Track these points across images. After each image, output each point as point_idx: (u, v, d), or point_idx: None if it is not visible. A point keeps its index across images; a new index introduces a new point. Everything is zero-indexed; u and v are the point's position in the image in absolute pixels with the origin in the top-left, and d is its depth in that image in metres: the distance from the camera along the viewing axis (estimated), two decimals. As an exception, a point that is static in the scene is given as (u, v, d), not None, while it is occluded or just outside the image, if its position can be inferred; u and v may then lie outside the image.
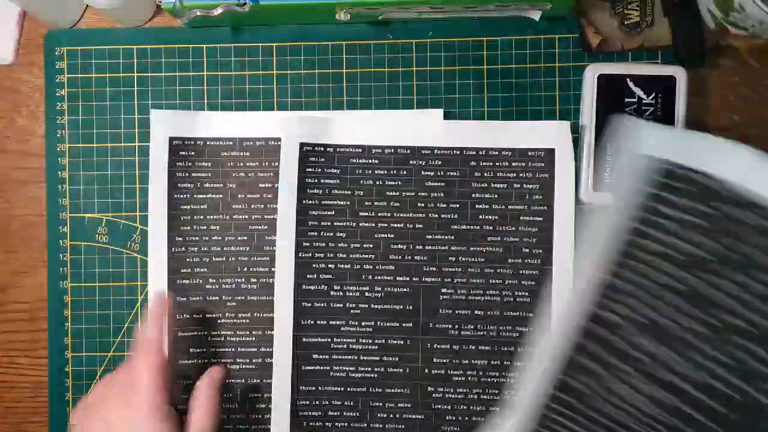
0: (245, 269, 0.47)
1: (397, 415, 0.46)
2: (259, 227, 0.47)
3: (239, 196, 0.47)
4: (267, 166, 0.47)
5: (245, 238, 0.47)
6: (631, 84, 0.46)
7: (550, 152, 0.46)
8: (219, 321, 0.47)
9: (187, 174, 0.47)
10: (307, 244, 0.46)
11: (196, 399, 0.41)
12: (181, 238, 0.47)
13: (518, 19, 0.48)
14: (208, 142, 0.47)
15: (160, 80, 0.48)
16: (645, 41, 0.48)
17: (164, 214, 0.47)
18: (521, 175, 0.46)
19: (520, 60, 0.48)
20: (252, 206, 0.47)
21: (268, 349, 0.47)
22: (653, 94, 0.46)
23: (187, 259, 0.47)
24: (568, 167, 0.46)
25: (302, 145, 0.46)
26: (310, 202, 0.46)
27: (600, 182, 0.47)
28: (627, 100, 0.46)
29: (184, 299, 0.47)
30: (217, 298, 0.47)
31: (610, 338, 0.34)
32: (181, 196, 0.47)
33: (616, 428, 0.34)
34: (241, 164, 0.47)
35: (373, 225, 0.46)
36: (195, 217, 0.47)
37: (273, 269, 0.47)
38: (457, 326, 0.46)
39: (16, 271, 0.48)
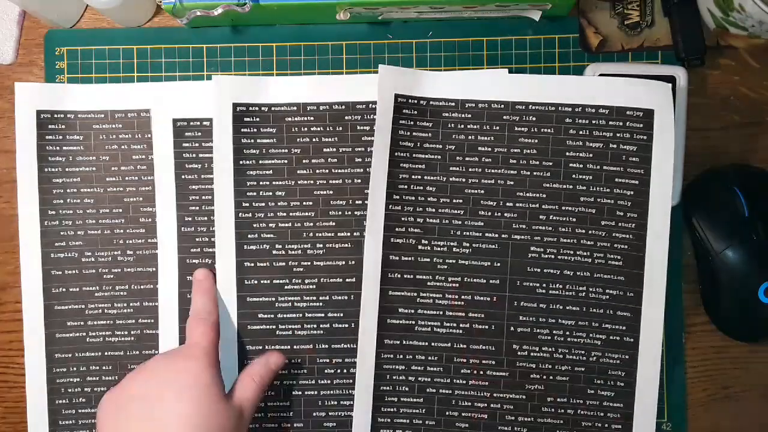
0: (121, 241, 0.47)
1: (481, 372, 0.46)
2: (134, 199, 0.47)
3: (113, 168, 0.47)
4: (140, 138, 0.47)
5: (120, 210, 0.47)
6: (631, 84, 0.46)
7: (649, 113, 0.45)
8: (96, 294, 0.47)
9: (57, 148, 0.47)
10: (398, 207, 0.46)
11: (247, 371, 0.43)
12: (54, 212, 0.47)
13: (518, 19, 0.48)
14: (78, 115, 0.47)
15: (160, 80, 0.48)
16: (645, 41, 0.48)
17: (35, 187, 0.47)
18: (618, 135, 0.45)
19: (520, 60, 0.48)
20: (126, 178, 0.47)
21: (146, 321, 0.47)
22: (653, 94, 0.46)
23: (62, 233, 0.47)
24: (668, 131, 0.44)
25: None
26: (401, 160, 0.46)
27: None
28: (627, 100, 0.46)
29: (60, 273, 0.47)
30: (93, 271, 0.47)
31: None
32: (53, 170, 0.47)
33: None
34: (114, 137, 0.47)
35: (463, 180, 0.46)
36: (68, 190, 0.47)
37: (150, 240, 0.47)
38: (545, 285, 0.45)
39: (16, 270, 0.48)
